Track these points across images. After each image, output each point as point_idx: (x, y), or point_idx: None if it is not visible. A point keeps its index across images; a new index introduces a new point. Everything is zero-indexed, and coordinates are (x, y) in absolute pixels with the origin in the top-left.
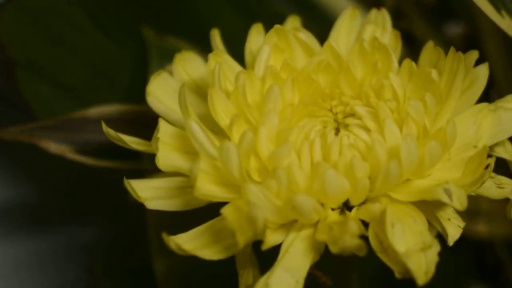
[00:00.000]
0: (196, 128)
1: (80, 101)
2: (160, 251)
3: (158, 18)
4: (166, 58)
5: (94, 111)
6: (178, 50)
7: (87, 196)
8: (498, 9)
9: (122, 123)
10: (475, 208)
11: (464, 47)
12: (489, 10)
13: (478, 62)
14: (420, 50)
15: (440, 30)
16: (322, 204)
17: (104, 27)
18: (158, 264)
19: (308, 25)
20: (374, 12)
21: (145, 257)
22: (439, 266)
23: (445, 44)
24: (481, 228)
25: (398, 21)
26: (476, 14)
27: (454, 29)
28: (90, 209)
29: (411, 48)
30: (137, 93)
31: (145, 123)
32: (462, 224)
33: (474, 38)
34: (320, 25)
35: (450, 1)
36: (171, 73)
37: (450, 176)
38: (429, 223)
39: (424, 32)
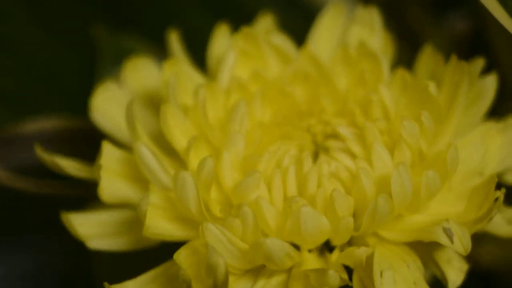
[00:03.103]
0: (146, 154)
1: (21, 110)
2: None
3: (112, 14)
4: (119, 62)
5: (31, 126)
6: (134, 51)
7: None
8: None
9: (63, 141)
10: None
11: (469, 47)
12: (497, 11)
13: (485, 69)
14: (418, 47)
15: (442, 25)
16: (297, 246)
17: (48, 26)
18: None
19: (287, 22)
20: (361, 10)
21: None
22: None
23: (447, 42)
24: (488, 253)
25: (392, 14)
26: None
27: (458, 24)
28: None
29: (408, 45)
30: (85, 103)
31: (91, 140)
32: (465, 266)
33: (481, 34)
34: (303, 23)
35: None
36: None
37: (451, 209)
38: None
39: (423, 28)
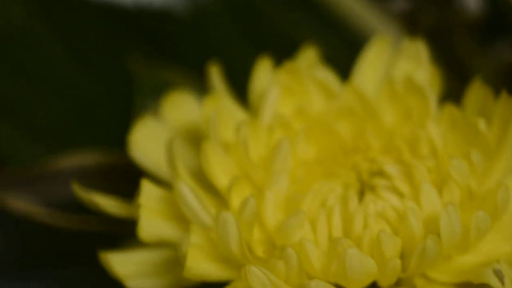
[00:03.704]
0: (187, 193)
1: (55, 146)
2: None
3: (148, 46)
4: (157, 96)
5: (67, 161)
6: (173, 85)
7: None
8: None
9: (100, 177)
10: None
11: None
12: None
13: None
14: (464, 76)
15: (489, 53)
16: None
17: (82, 58)
18: None
19: (331, 53)
20: (407, 42)
21: None
22: None
23: (494, 72)
24: None
25: (439, 42)
26: None
27: (506, 53)
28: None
29: (454, 74)
30: (121, 138)
31: (128, 176)
32: None
33: None
34: (347, 54)
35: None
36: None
37: (501, 250)
38: None
39: (470, 56)
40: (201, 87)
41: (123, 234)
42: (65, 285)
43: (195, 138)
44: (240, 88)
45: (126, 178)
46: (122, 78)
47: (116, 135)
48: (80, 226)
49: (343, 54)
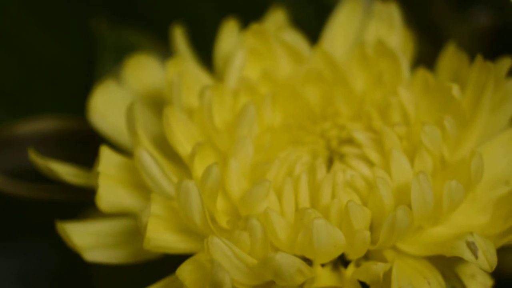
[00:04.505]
0: (148, 160)
1: (17, 110)
2: None
3: (113, 8)
4: (121, 59)
5: (26, 127)
6: (137, 47)
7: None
8: None
9: (60, 143)
10: None
11: (492, 42)
12: None
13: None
14: (439, 42)
15: (464, 18)
16: (309, 260)
17: (44, 21)
18: None
19: (299, 18)
20: (379, 5)
21: None
22: None
23: (470, 37)
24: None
25: (412, 7)
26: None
27: (481, 18)
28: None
29: (428, 39)
30: (83, 101)
31: (89, 143)
32: (489, 282)
33: (506, 30)
34: (316, 19)
35: None
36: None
37: (475, 221)
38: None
39: (445, 21)
40: (167, 52)
41: (85, 202)
42: (26, 255)
43: (159, 104)
44: (206, 53)
45: (87, 146)
46: (87, 41)
47: (80, 100)
48: (40, 194)
49: (313, 21)
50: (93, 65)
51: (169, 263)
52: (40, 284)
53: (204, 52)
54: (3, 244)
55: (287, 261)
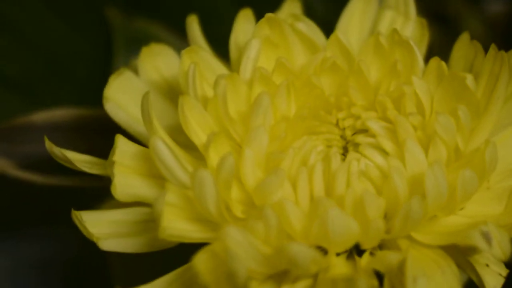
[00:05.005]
0: (163, 149)
1: (30, 100)
2: None
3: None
4: (135, 48)
5: (40, 116)
6: (153, 38)
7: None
8: None
9: (75, 132)
10: None
11: (505, 30)
12: None
13: None
14: (452, 30)
15: (477, 5)
16: (324, 249)
17: (59, 10)
18: None
19: (315, 9)
20: None
21: None
22: None
23: (483, 25)
24: None
25: None
26: None
27: (495, 6)
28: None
29: (444, 29)
30: (100, 93)
31: (105, 132)
32: (504, 271)
33: None
34: (332, 9)
35: None
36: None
37: (489, 211)
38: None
39: (458, 9)
40: (184, 44)
41: (105, 191)
42: (44, 243)
43: (176, 93)
44: (223, 47)
45: (103, 135)
46: (103, 32)
47: (96, 91)
48: (54, 182)
49: (328, 12)
50: (110, 55)
51: (184, 251)
52: (58, 272)
53: (221, 46)
54: (21, 231)
55: (301, 251)
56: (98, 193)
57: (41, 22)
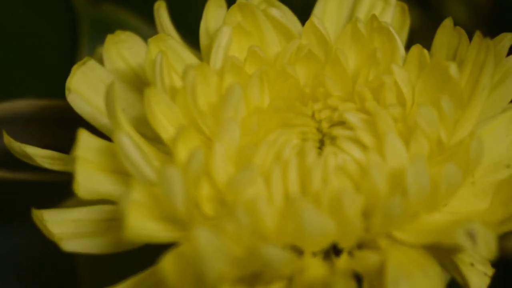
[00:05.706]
0: (128, 144)
1: None
2: None
3: None
4: (103, 36)
5: (1, 107)
6: (121, 24)
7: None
8: None
9: (37, 125)
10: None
11: (490, 16)
12: None
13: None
14: (437, 18)
15: None
16: (299, 249)
17: None
18: None
19: None
20: None
21: None
22: None
23: (470, 9)
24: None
25: None
26: None
27: None
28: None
29: (426, 14)
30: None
31: (71, 123)
32: (490, 270)
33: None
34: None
35: None
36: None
37: (474, 207)
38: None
39: None
40: (153, 32)
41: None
42: (12, 237)
43: (142, 83)
44: (194, 32)
45: (69, 126)
46: (71, 18)
47: (61, 82)
48: (21, 177)
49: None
50: (75, 43)
51: (152, 250)
52: (23, 266)
53: (192, 34)
54: None
55: (275, 253)
56: (67, 188)
57: (5, 8)
